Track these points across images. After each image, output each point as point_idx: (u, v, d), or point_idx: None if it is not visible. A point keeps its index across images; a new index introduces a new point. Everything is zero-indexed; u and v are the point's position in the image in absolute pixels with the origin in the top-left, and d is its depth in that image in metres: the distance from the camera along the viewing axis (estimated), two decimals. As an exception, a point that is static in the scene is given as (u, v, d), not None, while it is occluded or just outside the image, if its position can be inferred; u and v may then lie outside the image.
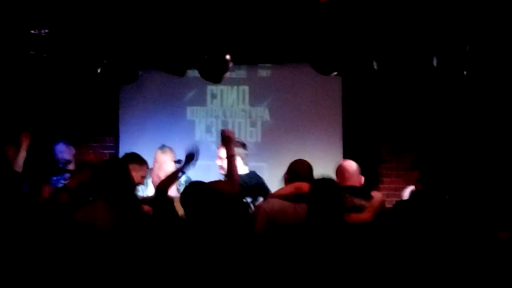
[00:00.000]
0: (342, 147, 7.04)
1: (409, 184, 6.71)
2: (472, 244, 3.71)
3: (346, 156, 6.78)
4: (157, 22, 5.87)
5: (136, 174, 4.71)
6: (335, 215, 3.70)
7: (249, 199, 4.81)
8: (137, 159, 4.86)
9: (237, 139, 5.27)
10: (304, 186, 4.15)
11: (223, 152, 4.99)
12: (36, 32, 5.86)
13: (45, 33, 5.90)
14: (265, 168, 6.91)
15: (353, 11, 5.58)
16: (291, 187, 4.33)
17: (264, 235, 4.11)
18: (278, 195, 4.38)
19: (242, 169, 5.09)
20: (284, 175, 4.52)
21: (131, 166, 4.70)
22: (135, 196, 4.15)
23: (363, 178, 4.65)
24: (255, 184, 4.96)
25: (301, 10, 5.60)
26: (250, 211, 4.72)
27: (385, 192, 6.93)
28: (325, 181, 3.87)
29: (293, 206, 4.19)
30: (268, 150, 7.17)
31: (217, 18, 5.76)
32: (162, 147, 5.67)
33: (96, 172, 3.94)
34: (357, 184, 4.56)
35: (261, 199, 4.82)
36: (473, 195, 4.32)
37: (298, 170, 4.41)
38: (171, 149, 5.67)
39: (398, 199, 6.19)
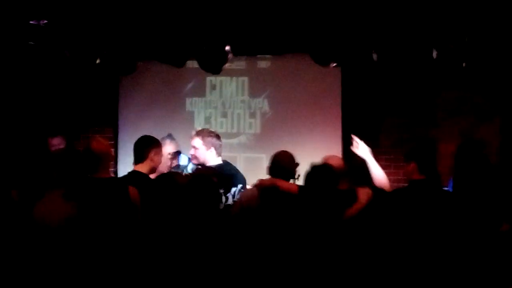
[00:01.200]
0: (341, 138, 7.04)
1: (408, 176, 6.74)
2: (474, 235, 3.73)
3: (345, 147, 6.79)
4: (157, 13, 5.86)
5: (159, 158, 4.74)
6: (331, 206, 3.73)
7: (221, 190, 4.79)
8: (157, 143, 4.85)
9: (211, 130, 5.30)
10: (278, 182, 4.22)
11: (196, 142, 5.05)
12: (35, 22, 5.85)
13: (44, 24, 5.88)
14: (264, 159, 6.92)
15: (353, 1, 5.57)
16: (270, 181, 4.35)
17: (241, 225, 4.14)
18: (257, 186, 4.41)
19: (215, 160, 5.12)
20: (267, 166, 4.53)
21: (154, 151, 4.70)
22: (97, 186, 3.99)
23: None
24: (227, 175, 4.95)
25: (300, 0, 5.59)
26: (222, 202, 4.73)
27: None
28: (321, 169, 3.90)
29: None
30: (267, 141, 7.18)
31: (216, 9, 5.75)
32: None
33: (52, 162, 3.87)
34: (343, 186, 4.33)
35: (233, 189, 4.84)
36: (473, 186, 4.33)
37: (278, 162, 4.42)
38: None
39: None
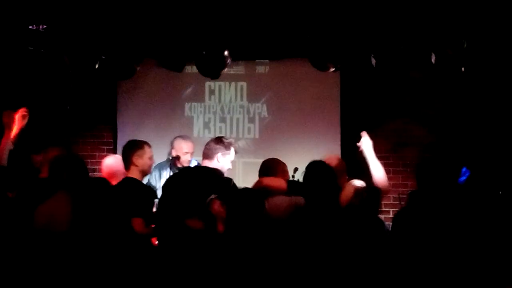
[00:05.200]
0: (340, 143, 7.04)
1: (407, 181, 6.76)
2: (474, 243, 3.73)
3: (344, 152, 6.80)
4: (155, 17, 5.86)
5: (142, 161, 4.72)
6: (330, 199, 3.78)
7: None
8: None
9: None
10: (263, 180, 4.31)
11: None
12: (35, 27, 5.85)
13: (43, 28, 5.89)
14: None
15: (351, 6, 5.58)
16: (255, 184, 4.40)
17: None
18: None
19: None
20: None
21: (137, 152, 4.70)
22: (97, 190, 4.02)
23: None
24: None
25: (299, 5, 5.60)
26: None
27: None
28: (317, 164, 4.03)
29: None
30: (265, 146, 7.18)
31: (215, 14, 5.76)
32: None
33: (55, 166, 3.90)
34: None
35: None
36: (473, 193, 4.34)
37: (264, 169, 4.51)
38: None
39: (395, 196, 6.26)
